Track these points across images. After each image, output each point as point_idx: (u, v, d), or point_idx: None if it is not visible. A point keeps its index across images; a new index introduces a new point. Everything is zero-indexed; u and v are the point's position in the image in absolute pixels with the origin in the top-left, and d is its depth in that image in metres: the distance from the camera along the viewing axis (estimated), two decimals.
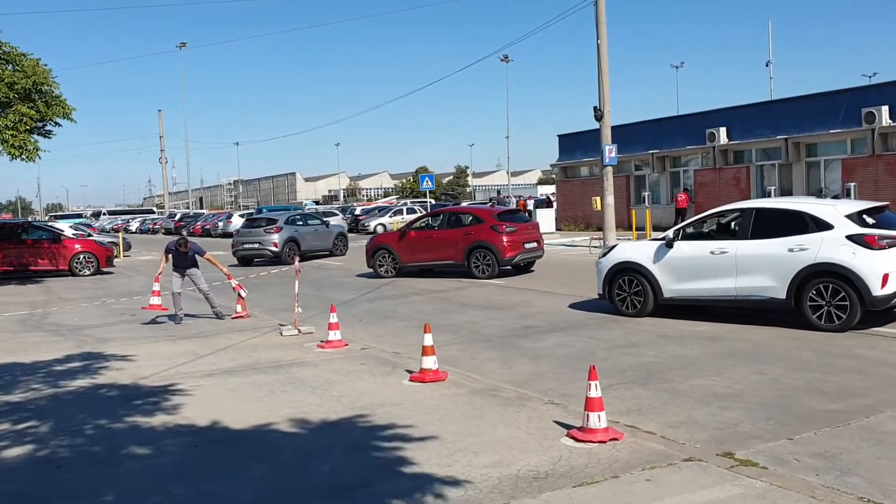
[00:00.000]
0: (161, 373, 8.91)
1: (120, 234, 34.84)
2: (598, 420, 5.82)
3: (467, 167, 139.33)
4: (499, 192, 48.98)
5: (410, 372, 8.37)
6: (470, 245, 18.07)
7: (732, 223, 11.30)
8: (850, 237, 9.70)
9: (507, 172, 78.72)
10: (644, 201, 28.94)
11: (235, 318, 13.02)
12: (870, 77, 65.37)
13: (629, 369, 8.28)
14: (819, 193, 26.41)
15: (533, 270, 18.96)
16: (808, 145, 28.27)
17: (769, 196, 29.04)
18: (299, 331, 11.34)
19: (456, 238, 18.41)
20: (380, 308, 14.02)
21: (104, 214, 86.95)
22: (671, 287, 11.33)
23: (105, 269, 24.06)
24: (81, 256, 23.60)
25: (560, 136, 38.60)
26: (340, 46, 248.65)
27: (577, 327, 11.04)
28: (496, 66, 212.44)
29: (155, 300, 12.80)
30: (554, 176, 43.69)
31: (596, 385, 5.83)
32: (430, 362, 8.03)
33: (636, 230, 28.15)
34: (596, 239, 25.57)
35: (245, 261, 25.35)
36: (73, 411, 7.32)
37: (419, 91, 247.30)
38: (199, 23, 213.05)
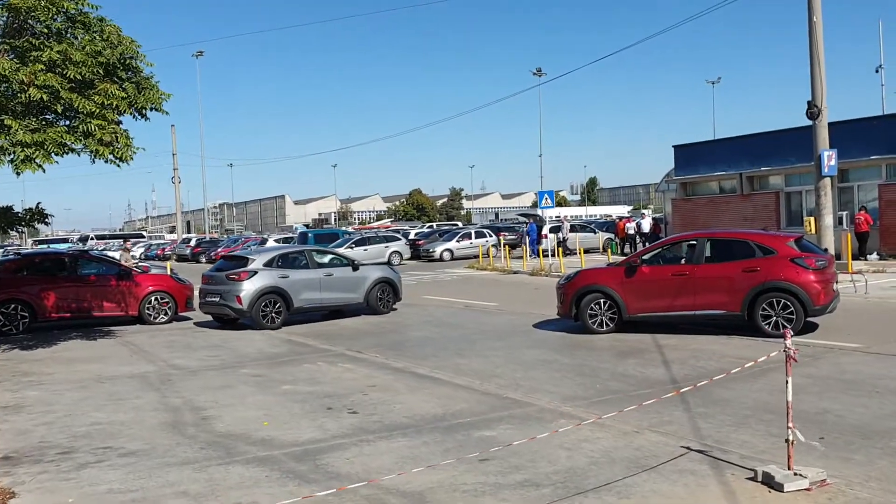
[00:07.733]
0: None
1: (168, 264, 28.93)
2: None
3: (462, 189, 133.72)
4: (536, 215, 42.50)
5: None
6: (758, 287, 12.36)
7: None
8: None
9: (542, 191, 72.79)
10: (844, 221, 23.13)
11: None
12: None
13: None
14: None
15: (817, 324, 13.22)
16: None
17: None
18: (807, 482, 5.68)
19: (730, 276, 12.61)
20: (802, 408, 8.16)
21: (92, 239, 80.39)
22: None
23: (182, 314, 18.24)
24: (154, 298, 17.70)
25: (676, 147, 33.13)
26: (332, 65, 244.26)
27: None
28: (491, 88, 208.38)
29: None
30: (667, 191, 37.80)
31: None
32: None
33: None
34: (856, 272, 18.64)
35: (221, 319, 16.64)
36: None
37: (418, 118, 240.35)
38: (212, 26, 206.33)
